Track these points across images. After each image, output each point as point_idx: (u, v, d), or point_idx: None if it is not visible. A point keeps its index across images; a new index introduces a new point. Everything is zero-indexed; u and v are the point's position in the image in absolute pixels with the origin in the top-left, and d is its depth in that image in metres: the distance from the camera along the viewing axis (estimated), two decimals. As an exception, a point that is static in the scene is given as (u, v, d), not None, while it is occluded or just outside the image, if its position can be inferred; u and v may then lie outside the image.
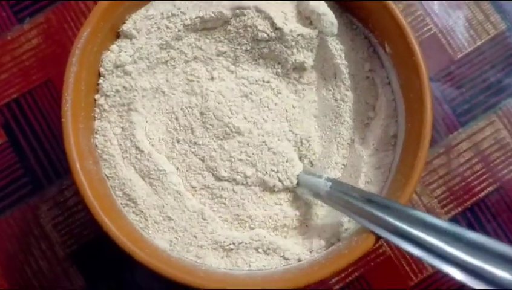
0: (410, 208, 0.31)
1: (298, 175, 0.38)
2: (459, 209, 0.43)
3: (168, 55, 0.39)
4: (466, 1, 0.46)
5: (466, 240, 0.28)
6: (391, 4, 0.36)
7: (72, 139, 0.34)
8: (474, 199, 0.44)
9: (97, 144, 0.37)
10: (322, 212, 0.38)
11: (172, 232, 0.36)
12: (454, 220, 0.43)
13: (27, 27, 0.47)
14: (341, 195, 0.34)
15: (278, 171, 0.38)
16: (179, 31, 0.39)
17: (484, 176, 0.44)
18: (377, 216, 0.31)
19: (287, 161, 0.38)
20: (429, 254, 0.29)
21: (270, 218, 0.37)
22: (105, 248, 0.35)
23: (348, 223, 0.36)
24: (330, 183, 0.35)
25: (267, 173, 0.38)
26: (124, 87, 0.38)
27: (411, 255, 0.29)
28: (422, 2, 0.47)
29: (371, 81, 0.40)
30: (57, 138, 0.44)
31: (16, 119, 0.45)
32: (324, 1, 0.36)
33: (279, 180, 0.38)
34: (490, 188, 0.43)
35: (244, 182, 0.38)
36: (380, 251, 0.43)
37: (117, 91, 0.38)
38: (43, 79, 0.46)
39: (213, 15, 0.38)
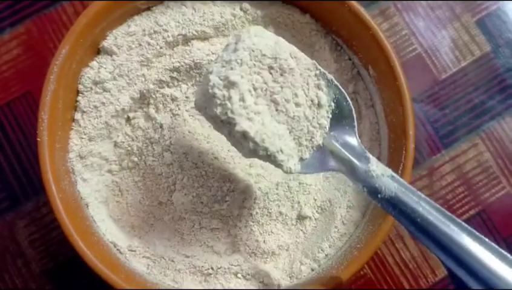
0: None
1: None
2: (441, 232, 0.43)
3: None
4: (452, 21, 0.46)
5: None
6: (375, 26, 0.36)
7: (48, 160, 0.33)
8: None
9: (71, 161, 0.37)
10: (301, 238, 0.37)
11: (148, 257, 0.35)
12: (435, 243, 0.43)
13: (7, 37, 0.45)
14: None
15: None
16: (161, 48, 0.38)
17: (466, 199, 0.43)
18: None
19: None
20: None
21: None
22: (81, 266, 0.33)
23: (328, 249, 0.35)
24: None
25: None
26: (103, 103, 0.37)
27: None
28: (408, 21, 0.46)
29: (354, 103, 0.39)
30: (34, 153, 0.43)
31: (-7, 132, 0.44)
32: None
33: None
34: (472, 212, 0.43)
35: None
36: (361, 273, 0.42)
37: (95, 107, 0.37)
38: (22, 91, 0.45)
39: (196, 33, 0.38)
